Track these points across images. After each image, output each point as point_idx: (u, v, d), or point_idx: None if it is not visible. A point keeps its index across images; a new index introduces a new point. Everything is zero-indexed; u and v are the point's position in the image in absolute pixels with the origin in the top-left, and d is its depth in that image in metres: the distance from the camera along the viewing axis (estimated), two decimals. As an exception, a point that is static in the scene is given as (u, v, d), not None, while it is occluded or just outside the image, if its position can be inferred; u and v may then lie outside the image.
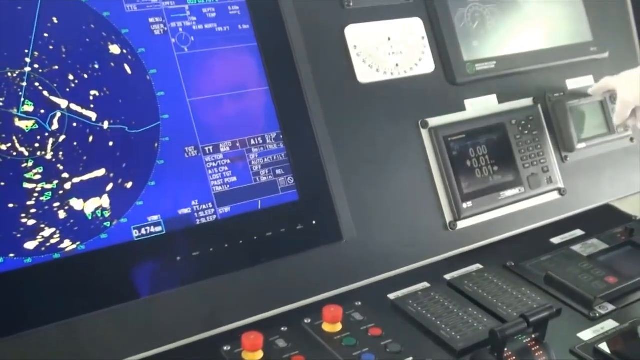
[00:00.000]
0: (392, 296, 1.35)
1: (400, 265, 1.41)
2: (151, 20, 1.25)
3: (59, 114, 1.14)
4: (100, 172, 1.16)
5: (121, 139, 1.18)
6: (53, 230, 1.11)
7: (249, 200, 1.28)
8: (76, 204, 1.13)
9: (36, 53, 1.13)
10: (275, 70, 1.35)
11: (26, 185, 1.10)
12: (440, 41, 1.58)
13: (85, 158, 1.15)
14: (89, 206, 1.14)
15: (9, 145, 1.09)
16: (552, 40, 1.75)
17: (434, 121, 1.52)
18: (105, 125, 1.17)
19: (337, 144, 1.39)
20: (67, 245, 1.12)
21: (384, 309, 1.31)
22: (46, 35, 1.15)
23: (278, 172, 1.31)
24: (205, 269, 1.21)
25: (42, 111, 1.13)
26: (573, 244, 1.60)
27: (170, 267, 1.19)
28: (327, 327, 1.22)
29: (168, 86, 1.24)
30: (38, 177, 1.11)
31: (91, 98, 1.17)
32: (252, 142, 1.30)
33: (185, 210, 1.22)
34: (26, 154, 1.10)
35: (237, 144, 1.29)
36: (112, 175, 1.17)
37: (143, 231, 1.18)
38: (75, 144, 1.14)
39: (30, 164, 1.10)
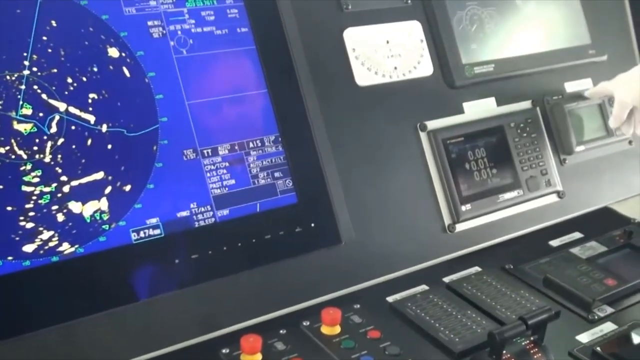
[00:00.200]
0: (390, 299, 1.35)
1: (399, 268, 1.41)
2: (150, 23, 1.25)
3: (57, 117, 1.14)
4: (99, 175, 1.16)
5: (120, 141, 1.18)
6: (51, 233, 1.11)
7: (247, 203, 1.28)
8: (74, 206, 1.13)
9: (35, 56, 1.13)
10: (273, 73, 1.35)
11: (24, 188, 1.10)
12: (438, 44, 1.58)
13: (83, 161, 1.15)
14: (87, 209, 1.14)
15: (8, 148, 1.09)
16: (550, 43, 1.75)
17: (432, 124, 1.52)
18: (104, 128, 1.17)
19: (335, 146, 1.39)
20: (66, 248, 1.12)
21: (383, 312, 1.31)
22: (45, 38, 1.15)
23: (277, 175, 1.32)
24: (204, 271, 1.21)
25: (41, 114, 1.13)
26: (572, 246, 1.59)
27: (168, 270, 1.19)
28: (325, 329, 1.22)
29: (167, 89, 1.24)
30: (36, 180, 1.11)
31: (90, 101, 1.17)
32: (251, 145, 1.30)
33: (184, 213, 1.22)
34: (24, 156, 1.10)
35: (236, 147, 1.29)
36: (110, 178, 1.17)
37: (142, 234, 1.18)
38: (73, 147, 1.14)
39: (28, 166, 1.11)
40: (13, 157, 1.10)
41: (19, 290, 1.08)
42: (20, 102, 1.11)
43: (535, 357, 1.22)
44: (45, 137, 1.12)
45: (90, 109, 1.17)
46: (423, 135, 1.51)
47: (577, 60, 1.78)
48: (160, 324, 1.17)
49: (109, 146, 1.17)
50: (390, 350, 1.19)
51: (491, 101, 1.63)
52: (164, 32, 1.26)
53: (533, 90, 1.70)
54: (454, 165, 1.51)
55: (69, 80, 1.16)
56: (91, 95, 1.17)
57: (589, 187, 1.71)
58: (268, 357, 1.14)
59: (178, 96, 1.25)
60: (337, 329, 1.22)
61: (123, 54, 1.21)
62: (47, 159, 1.12)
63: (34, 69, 1.13)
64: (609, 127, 1.74)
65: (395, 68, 1.51)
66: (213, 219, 1.24)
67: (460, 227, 1.50)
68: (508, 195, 1.57)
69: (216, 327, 1.20)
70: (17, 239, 1.09)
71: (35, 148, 1.11)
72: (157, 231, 1.20)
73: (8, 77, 1.11)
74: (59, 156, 1.13)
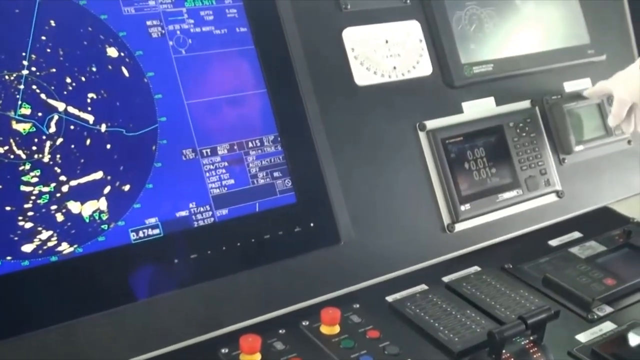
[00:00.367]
0: (390, 298, 1.34)
1: (398, 268, 1.41)
2: (149, 23, 1.25)
3: (56, 117, 1.14)
4: (98, 175, 1.16)
5: (119, 141, 1.18)
6: (50, 233, 1.11)
7: (246, 202, 1.28)
8: (73, 206, 1.13)
9: (33, 56, 1.13)
10: (272, 73, 1.35)
11: (23, 188, 1.10)
12: (437, 44, 1.58)
13: (82, 161, 1.15)
14: (86, 209, 1.14)
15: (6, 148, 1.09)
16: (549, 42, 1.75)
17: (431, 124, 1.52)
18: (103, 128, 1.17)
19: (334, 146, 1.39)
20: (65, 248, 1.12)
21: (382, 311, 1.31)
22: (44, 38, 1.15)
23: (276, 174, 1.31)
24: (203, 271, 1.21)
25: (40, 114, 1.13)
26: (571, 246, 1.60)
27: (168, 270, 1.19)
28: (325, 329, 1.22)
29: (165, 89, 1.24)
30: (35, 180, 1.11)
31: (88, 101, 1.17)
32: (250, 144, 1.30)
33: (183, 213, 1.22)
34: (23, 156, 1.10)
35: (235, 147, 1.29)
36: (109, 178, 1.16)
37: (141, 234, 1.18)
38: (72, 146, 1.14)
39: (27, 166, 1.10)
40: (12, 156, 1.10)
41: (17, 290, 1.08)
42: (19, 102, 1.11)
43: (534, 356, 1.22)
44: (44, 137, 1.12)
45: (89, 108, 1.16)
46: (422, 135, 1.51)
47: (576, 60, 1.78)
48: (160, 324, 1.17)
49: (108, 146, 1.17)
50: (389, 350, 1.19)
51: (490, 101, 1.63)
52: (163, 31, 1.26)
53: (532, 89, 1.70)
54: (453, 165, 1.51)
55: (68, 80, 1.16)
56: (90, 95, 1.17)
57: (588, 187, 1.72)
58: (267, 357, 1.14)
59: (177, 96, 1.25)
60: (337, 329, 1.22)
61: (122, 54, 1.21)
62: (46, 159, 1.12)
63: (33, 68, 1.13)
64: (608, 127, 1.74)
65: (395, 68, 1.51)
66: (212, 219, 1.24)
67: (459, 226, 1.50)
68: (507, 194, 1.57)
69: (215, 327, 1.20)
70: (16, 238, 1.08)
71: (34, 148, 1.11)
72: (156, 231, 1.19)
73: (7, 77, 1.11)
74: (58, 156, 1.13)
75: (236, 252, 1.25)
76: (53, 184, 1.12)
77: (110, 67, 1.20)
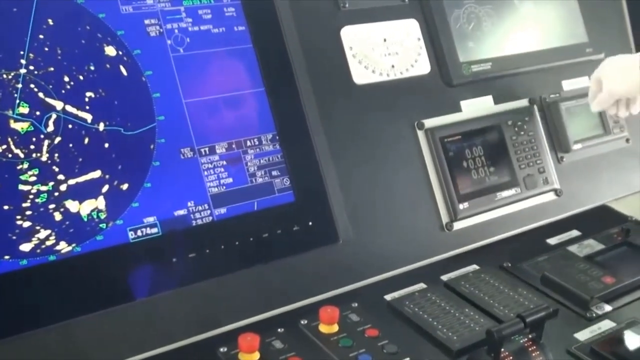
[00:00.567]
0: (388, 297, 1.34)
1: (397, 266, 1.41)
2: (147, 21, 1.25)
3: (54, 116, 1.14)
4: (96, 174, 1.16)
5: (117, 140, 1.18)
6: (49, 232, 1.11)
7: (245, 201, 1.28)
8: (72, 205, 1.13)
9: (31, 55, 1.13)
10: (271, 71, 1.35)
11: (21, 187, 1.10)
12: (436, 42, 1.58)
13: (80, 160, 1.15)
14: (84, 208, 1.14)
15: (5, 147, 1.09)
16: (547, 41, 1.75)
17: (430, 122, 1.52)
18: (101, 126, 1.17)
19: (333, 145, 1.39)
20: (63, 247, 1.12)
21: (381, 310, 1.31)
22: (41, 36, 1.14)
23: (274, 173, 1.31)
24: (202, 270, 1.21)
25: (38, 113, 1.12)
26: (569, 244, 1.60)
27: (166, 269, 1.19)
28: (323, 328, 1.22)
29: (164, 88, 1.24)
30: (33, 178, 1.11)
31: (87, 100, 1.16)
32: (248, 143, 1.30)
33: (181, 212, 1.22)
34: (21, 155, 1.10)
35: (233, 146, 1.29)
36: (107, 176, 1.16)
37: (139, 233, 1.18)
38: (70, 145, 1.14)
39: (25, 165, 1.10)
40: (10, 155, 1.09)
41: (16, 290, 1.07)
42: (17, 101, 1.11)
43: (533, 355, 1.22)
44: (42, 136, 1.12)
45: (87, 107, 1.16)
46: (420, 134, 1.51)
47: (574, 58, 1.78)
48: (158, 323, 1.17)
49: (106, 145, 1.17)
50: (388, 349, 1.19)
51: (488, 99, 1.63)
52: (161, 30, 1.26)
53: (530, 88, 1.70)
54: (451, 163, 1.51)
55: (66, 78, 1.15)
56: (88, 94, 1.17)
57: (586, 185, 1.72)
58: (266, 356, 1.14)
59: (175, 95, 1.25)
60: (335, 328, 1.22)
61: (120, 53, 1.21)
62: (44, 158, 1.12)
63: (31, 67, 1.13)
64: (607, 125, 1.74)
65: (393, 66, 1.51)
66: (210, 218, 1.24)
67: (458, 225, 1.50)
68: (506, 193, 1.57)
69: (214, 326, 1.20)
70: (14, 238, 1.08)
71: (32, 147, 1.11)
72: (155, 230, 1.19)
73: (5, 76, 1.11)
74: (56, 155, 1.13)
75: (234, 251, 1.25)
76: (51, 183, 1.12)
77: (108, 65, 1.19)
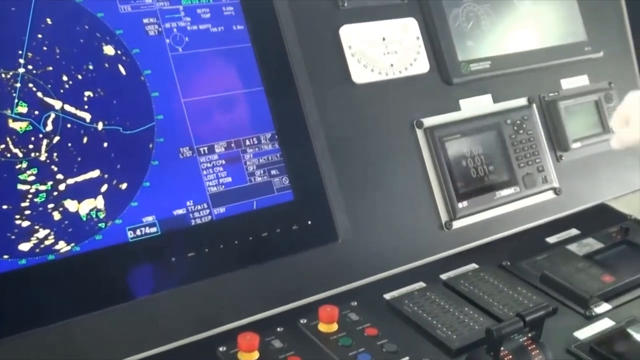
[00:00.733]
0: (388, 296, 1.34)
1: (396, 265, 1.41)
2: (145, 21, 1.25)
3: (53, 115, 1.13)
4: (95, 173, 1.15)
5: (115, 139, 1.18)
6: (47, 231, 1.11)
7: (244, 200, 1.27)
8: (70, 205, 1.13)
9: (30, 54, 1.13)
10: (269, 70, 1.34)
11: (20, 186, 1.09)
12: (435, 41, 1.58)
13: (79, 159, 1.14)
14: (83, 207, 1.14)
15: (3, 146, 1.09)
16: (546, 40, 1.75)
17: (429, 121, 1.52)
18: (100, 126, 1.17)
19: (332, 144, 1.39)
20: (62, 246, 1.12)
21: (380, 309, 1.31)
22: (40, 36, 1.14)
23: (273, 172, 1.31)
24: (201, 269, 1.21)
25: (36, 112, 1.12)
26: (568, 243, 1.59)
27: (165, 268, 1.19)
28: (323, 327, 1.22)
29: (162, 87, 1.23)
30: (32, 178, 1.10)
31: (85, 99, 1.16)
32: (247, 142, 1.30)
33: (180, 211, 1.22)
34: (20, 155, 1.10)
35: (232, 145, 1.29)
36: (106, 176, 1.16)
37: (138, 232, 1.18)
38: (69, 145, 1.14)
39: (24, 165, 1.10)
40: (8, 155, 1.09)
41: (14, 289, 1.07)
42: (16, 100, 1.11)
43: (532, 353, 1.22)
44: (40, 135, 1.12)
45: (86, 107, 1.16)
46: (419, 133, 1.51)
47: (573, 57, 1.78)
48: (157, 322, 1.17)
49: (105, 144, 1.17)
50: (387, 348, 1.19)
51: (487, 98, 1.63)
52: (160, 29, 1.26)
53: (529, 87, 1.70)
54: (450, 162, 1.51)
55: (65, 78, 1.15)
56: (87, 93, 1.17)
57: (585, 184, 1.72)
58: (265, 355, 1.14)
59: (174, 94, 1.24)
60: (335, 327, 1.22)
61: (119, 52, 1.21)
62: (43, 157, 1.12)
63: (29, 66, 1.13)
64: (605, 124, 1.74)
65: (392, 65, 1.51)
66: (209, 217, 1.24)
67: (457, 224, 1.50)
68: (505, 192, 1.57)
69: (213, 325, 1.20)
70: (13, 237, 1.08)
71: (31, 146, 1.11)
72: (154, 229, 1.19)
73: (3, 75, 1.11)
74: (55, 154, 1.13)
75: (234, 250, 1.24)
76: (50, 183, 1.12)
77: (107, 65, 1.19)
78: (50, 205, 1.11)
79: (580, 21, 1.81)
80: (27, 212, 1.09)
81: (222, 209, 1.25)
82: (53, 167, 1.12)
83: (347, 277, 1.35)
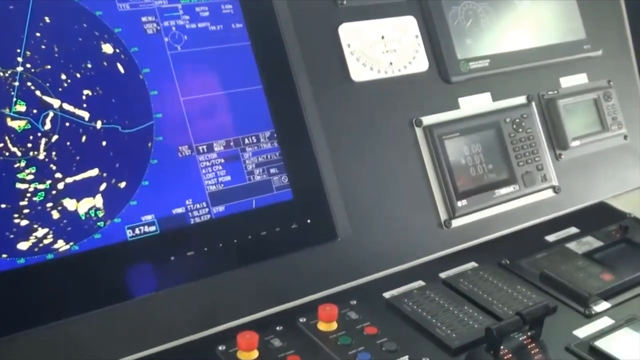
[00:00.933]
0: (387, 295, 1.34)
1: (395, 264, 1.41)
2: (144, 19, 1.24)
3: (51, 114, 1.13)
4: (94, 172, 1.15)
5: (114, 138, 1.18)
6: (46, 230, 1.10)
7: (243, 199, 1.27)
8: (69, 204, 1.13)
9: (28, 52, 1.13)
10: (268, 69, 1.34)
11: (19, 185, 1.09)
12: (434, 39, 1.58)
13: (78, 158, 1.14)
14: (82, 206, 1.14)
15: (1, 145, 1.09)
16: (545, 38, 1.75)
17: (428, 119, 1.52)
18: (98, 124, 1.17)
19: (331, 142, 1.39)
20: (61, 245, 1.11)
21: (380, 308, 1.31)
22: (38, 34, 1.14)
23: (272, 171, 1.31)
24: (200, 268, 1.21)
25: (35, 111, 1.12)
26: (568, 241, 1.59)
27: (164, 267, 1.19)
28: (322, 326, 1.21)
29: (161, 85, 1.23)
30: (31, 177, 1.10)
31: (84, 97, 1.16)
32: (246, 141, 1.30)
33: (179, 210, 1.22)
34: (19, 154, 1.10)
35: (231, 143, 1.28)
36: (105, 175, 1.16)
37: (137, 231, 1.18)
38: (68, 143, 1.14)
39: (22, 164, 1.10)
40: (7, 154, 1.09)
41: (13, 288, 1.07)
42: (14, 99, 1.11)
43: (532, 352, 1.22)
44: (39, 134, 1.12)
45: (85, 105, 1.16)
46: (419, 131, 1.51)
47: (572, 55, 1.78)
48: (156, 322, 1.16)
49: (104, 143, 1.17)
50: (387, 347, 1.18)
51: (487, 96, 1.63)
52: (158, 28, 1.25)
53: (528, 85, 1.70)
54: (449, 160, 1.51)
55: (63, 76, 1.15)
56: (85, 92, 1.16)
57: (584, 182, 1.72)
58: (265, 354, 1.14)
59: (173, 92, 1.24)
60: (334, 325, 1.21)
61: (117, 50, 1.20)
62: (42, 156, 1.11)
63: (28, 65, 1.12)
64: (604, 122, 1.74)
65: (391, 63, 1.51)
66: (209, 216, 1.24)
67: (456, 222, 1.50)
68: (504, 190, 1.57)
69: (212, 324, 1.20)
70: (12, 236, 1.08)
71: (30, 145, 1.11)
72: (153, 228, 1.19)
73: (1, 74, 1.10)
74: (54, 153, 1.12)
75: (233, 249, 1.24)
76: (49, 181, 1.11)
77: (105, 63, 1.19)
78: (49, 204, 1.11)
79: (579, 19, 1.81)
80: (26, 211, 1.09)
81: (221, 208, 1.25)
82: (52, 165, 1.12)
83: (347, 275, 1.35)
